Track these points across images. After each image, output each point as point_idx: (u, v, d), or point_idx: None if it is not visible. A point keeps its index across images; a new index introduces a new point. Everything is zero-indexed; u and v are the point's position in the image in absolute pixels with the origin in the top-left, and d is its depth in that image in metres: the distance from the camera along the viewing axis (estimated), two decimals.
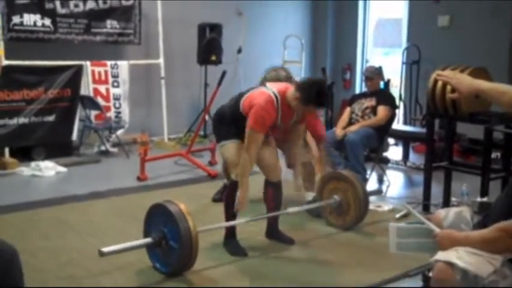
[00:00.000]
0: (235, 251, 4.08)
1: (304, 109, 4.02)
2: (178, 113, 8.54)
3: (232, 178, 4.08)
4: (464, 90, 2.51)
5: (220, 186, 5.34)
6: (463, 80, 2.54)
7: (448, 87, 4.06)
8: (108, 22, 7.49)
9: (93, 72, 7.37)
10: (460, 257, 2.33)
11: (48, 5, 6.90)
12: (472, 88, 2.50)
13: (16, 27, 6.67)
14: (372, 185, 6.06)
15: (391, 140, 7.65)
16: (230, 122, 4.09)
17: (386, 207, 5.23)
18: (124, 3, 7.60)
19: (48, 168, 6.36)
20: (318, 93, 3.90)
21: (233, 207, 4.02)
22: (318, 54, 10.38)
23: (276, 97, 3.96)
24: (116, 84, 7.57)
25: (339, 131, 6.04)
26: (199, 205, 5.17)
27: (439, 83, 4.53)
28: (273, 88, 4.04)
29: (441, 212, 2.81)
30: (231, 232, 4.16)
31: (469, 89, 2.50)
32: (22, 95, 6.67)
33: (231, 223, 4.11)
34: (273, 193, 4.23)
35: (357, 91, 9.57)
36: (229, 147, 4.07)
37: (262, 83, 4.70)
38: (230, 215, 4.09)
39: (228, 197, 4.10)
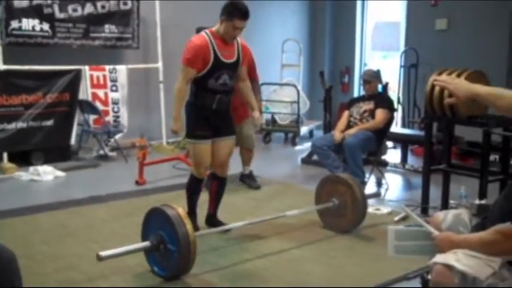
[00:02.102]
0: None
1: (232, 26, 4.18)
2: None
3: (193, 173, 4.47)
4: (461, 95, 2.52)
5: None
6: (460, 85, 2.55)
7: (446, 92, 4.07)
8: (107, 27, 7.50)
9: (91, 76, 7.38)
10: (458, 259, 2.33)
11: (47, 10, 6.91)
12: (469, 93, 2.50)
13: (15, 32, 6.68)
14: (370, 188, 6.06)
15: (389, 143, 7.66)
16: (196, 115, 4.35)
17: (384, 210, 5.23)
18: (122, 7, 7.61)
19: (47, 173, 6.35)
20: (235, 3, 4.21)
21: (193, 196, 4.52)
22: (316, 58, 10.39)
23: (207, 34, 4.27)
24: (114, 88, 7.58)
25: (337, 134, 6.05)
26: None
27: (437, 87, 4.53)
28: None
29: (439, 215, 2.80)
30: (190, 212, 4.45)
31: (466, 93, 2.51)
32: (20, 99, 6.68)
33: (228, 227, 4.15)
34: (217, 186, 4.62)
35: (355, 94, 9.57)
36: (194, 147, 4.37)
37: None
38: (190, 201, 4.53)
39: (188, 187, 4.55)
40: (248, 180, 6.10)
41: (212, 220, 4.65)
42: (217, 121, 4.38)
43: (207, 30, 4.32)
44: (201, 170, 4.43)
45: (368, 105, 6.14)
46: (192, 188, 4.54)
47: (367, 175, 6.02)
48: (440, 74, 4.73)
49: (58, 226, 4.73)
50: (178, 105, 4.33)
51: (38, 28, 6.86)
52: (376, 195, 5.57)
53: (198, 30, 7.94)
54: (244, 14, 4.19)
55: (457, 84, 2.57)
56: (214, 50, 4.21)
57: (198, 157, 4.38)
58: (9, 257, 2.52)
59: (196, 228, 4.25)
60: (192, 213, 4.49)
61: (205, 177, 4.59)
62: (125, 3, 7.63)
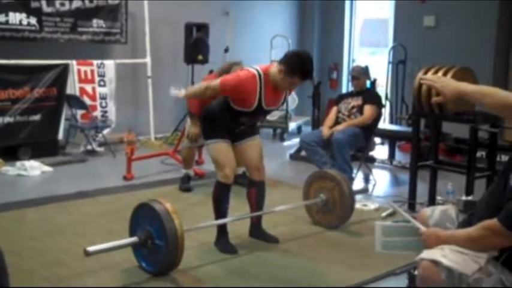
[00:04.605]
0: (225, 248, 4.08)
1: (290, 82, 3.91)
2: (165, 112, 8.51)
3: (218, 179, 4.07)
4: (448, 93, 2.54)
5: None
6: (447, 84, 2.57)
7: (433, 90, 4.10)
8: (95, 21, 7.46)
9: (79, 71, 7.33)
10: (445, 255, 2.35)
11: (34, 4, 6.85)
12: (456, 91, 2.53)
13: (1, 26, 6.61)
14: (358, 184, 6.08)
15: (377, 139, 7.68)
16: (217, 121, 4.06)
17: (372, 206, 5.25)
18: (110, 2, 7.56)
19: (34, 168, 6.31)
20: (303, 61, 3.87)
21: (221, 206, 4.06)
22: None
23: (259, 74, 3.90)
24: (102, 83, 7.54)
25: (325, 130, 6.06)
26: (185, 204, 5.17)
27: (425, 86, 4.55)
28: (256, 67, 4.00)
29: (427, 211, 2.83)
30: (221, 230, 4.15)
31: (453, 92, 2.53)
32: (7, 94, 6.62)
33: (215, 222, 4.11)
34: (256, 193, 4.24)
35: (344, 90, 9.60)
36: (215, 147, 4.06)
37: (220, 74, 4.90)
38: (219, 213, 4.09)
39: (214, 197, 4.11)
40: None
41: (256, 232, 4.33)
42: (237, 129, 4.13)
43: (260, 70, 3.92)
44: (226, 171, 4.00)
45: (356, 101, 6.16)
46: (219, 197, 4.07)
47: (354, 171, 6.04)
48: (427, 71, 4.75)
49: (45, 221, 4.70)
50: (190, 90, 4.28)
51: (25, 22, 6.80)
52: (364, 191, 5.59)
53: (187, 26, 8.05)
54: (308, 74, 3.93)
55: (444, 82, 2.60)
56: (260, 97, 3.90)
57: (220, 157, 4.03)
58: None
59: (233, 250, 4.05)
60: (222, 230, 4.13)
61: (233, 182, 4.13)
62: None
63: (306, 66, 3.88)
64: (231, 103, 3.96)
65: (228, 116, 4.01)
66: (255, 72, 3.90)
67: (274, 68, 3.93)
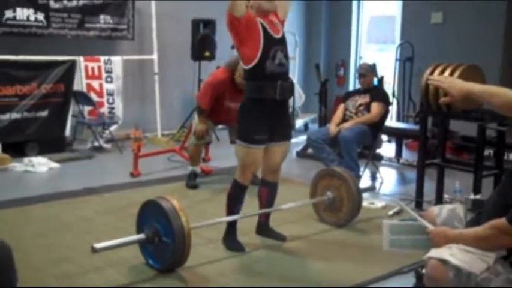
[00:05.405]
0: (232, 246, 4.08)
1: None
2: (171, 109, 8.53)
3: (236, 178, 4.02)
4: (456, 93, 2.54)
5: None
6: (454, 84, 2.57)
7: (441, 90, 4.08)
8: (102, 17, 7.47)
9: (86, 67, 7.35)
10: (453, 254, 2.34)
11: (42, 0, 6.86)
12: (463, 91, 2.52)
13: (9, 22, 6.63)
14: (365, 181, 6.07)
15: (384, 137, 7.66)
16: (254, 119, 3.88)
17: (379, 204, 5.24)
18: None
19: (41, 164, 6.33)
20: None
21: (235, 206, 4.04)
22: (312, 51, 10.38)
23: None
24: (109, 79, 7.55)
25: (332, 127, 6.05)
26: (192, 201, 5.17)
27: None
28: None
29: (434, 209, 2.82)
30: (231, 228, 4.14)
31: (460, 92, 2.53)
32: (15, 90, 6.65)
33: (223, 219, 4.10)
34: (268, 192, 4.20)
35: (351, 88, 9.57)
36: (248, 152, 3.91)
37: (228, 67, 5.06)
38: (231, 212, 4.07)
39: (230, 195, 4.08)
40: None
41: (264, 230, 4.31)
42: (276, 120, 3.91)
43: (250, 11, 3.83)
44: (247, 176, 3.97)
45: (363, 99, 6.14)
46: (235, 196, 4.03)
47: (361, 169, 6.03)
48: (434, 69, 4.74)
49: (52, 218, 4.71)
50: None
51: (32, 18, 6.82)
52: (371, 189, 5.58)
53: (194, 22, 8.03)
54: None
55: (451, 83, 2.60)
56: (261, 23, 3.82)
57: (248, 162, 3.92)
58: (5, 250, 2.51)
59: (241, 247, 4.05)
60: (231, 227, 4.11)
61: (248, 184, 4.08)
62: None
63: None
64: (253, 69, 3.80)
65: (261, 84, 3.81)
66: (250, 11, 3.85)
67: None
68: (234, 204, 4.06)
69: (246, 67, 3.87)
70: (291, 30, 9.66)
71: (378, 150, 6.94)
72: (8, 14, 6.62)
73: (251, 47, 3.80)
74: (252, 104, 3.88)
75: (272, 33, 3.86)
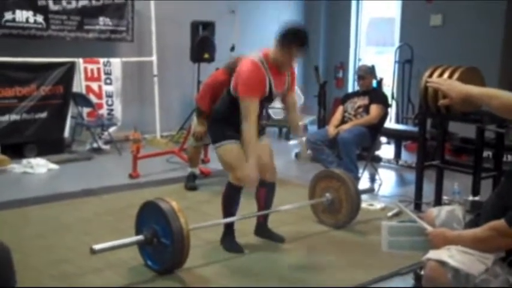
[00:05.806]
0: (231, 247, 4.08)
1: (289, 54, 3.82)
2: (170, 110, 8.53)
3: (230, 180, 4.02)
4: (454, 95, 2.54)
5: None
6: (453, 86, 2.58)
7: (440, 92, 4.09)
8: (101, 19, 7.47)
9: (85, 69, 7.35)
10: (451, 255, 2.34)
11: (41, 2, 6.87)
12: (462, 94, 2.53)
13: (8, 24, 6.64)
14: (364, 183, 6.07)
15: (383, 139, 7.67)
16: (224, 122, 4.00)
17: (378, 206, 5.24)
18: (117, 0, 7.57)
19: (40, 166, 6.33)
20: (296, 30, 3.85)
21: (230, 208, 4.04)
22: (311, 53, 10.36)
23: (261, 60, 3.84)
24: (108, 81, 7.55)
25: (331, 129, 6.05)
26: (191, 203, 5.17)
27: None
28: (255, 53, 3.92)
29: (433, 211, 2.82)
30: (228, 229, 4.14)
31: (459, 94, 2.53)
32: (14, 91, 6.65)
33: (221, 221, 4.10)
34: (265, 193, 4.19)
35: (350, 90, 9.59)
36: (225, 148, 3.98)
37: (227, 69, 4.95)
38: (228, 214, 4.07)
39: (225, 197, 4.08)
40: None
41: (262, 231, 4.31)
42: None
43: (260, 54, 3.87)
44: (238, 174, 3.90)
45: (362, 101, 6.15)
46: (230, 198, 4.03)
47: (360, 171, 6.03)
48: (433, 71, 4.74)
49: (51, 219, 4.71)
50: (253, 150, 3.80)
51: (31, 20, 6.82)
52: (370, 190, 5.58)
53: (193, 24, 8.04)
54: (303, 42, 3.82)
55: (450, 85, 2.60)
56: (269, 81, 3.84)
57: (231, 159, 3.93)
58: (4, 251, 2.51)
59: (239, 249, 4.05)
60: (229, 229, 4.11)
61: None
62: None
63: (300, 32, 3.86)
64: (236, 103, 3.85)
65: (235, 111, 3.87)
66: (256, 60, 3.84)
67: (272, 49, 3.87)
68: (230, 205, 4.05)
69: (233, 94, 3.91)
70: None
71: (377, 152, 6.95)
72: (8, 16, 6.62)
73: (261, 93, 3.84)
74: (223, 121, 3.99)
75: (273, 91, 3.91)
